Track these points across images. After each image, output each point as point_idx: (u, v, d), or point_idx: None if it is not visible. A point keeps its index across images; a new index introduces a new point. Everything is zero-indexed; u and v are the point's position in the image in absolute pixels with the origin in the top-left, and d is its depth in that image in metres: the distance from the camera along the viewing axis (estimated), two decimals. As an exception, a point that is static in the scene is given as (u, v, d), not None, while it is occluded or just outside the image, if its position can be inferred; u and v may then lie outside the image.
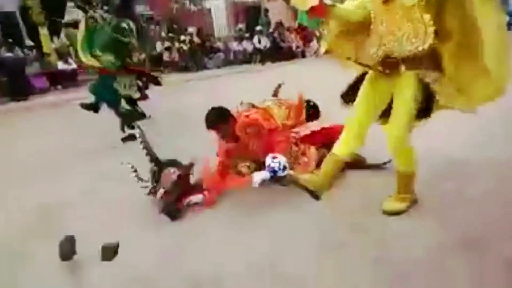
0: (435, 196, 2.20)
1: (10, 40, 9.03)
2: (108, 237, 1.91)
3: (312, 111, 3.16)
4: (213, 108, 2.56)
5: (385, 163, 2.61)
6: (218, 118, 2.50)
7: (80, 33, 3.99)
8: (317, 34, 13.50)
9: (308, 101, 3.31)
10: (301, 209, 2.21)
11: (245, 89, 5.78)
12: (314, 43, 13.12)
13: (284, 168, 2.21)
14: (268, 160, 2.23)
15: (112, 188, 2.74)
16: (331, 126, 2.81)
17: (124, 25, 3.95)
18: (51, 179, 3.17)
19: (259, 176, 2.22)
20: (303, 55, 12.87)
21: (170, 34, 11.86)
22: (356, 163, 2.65)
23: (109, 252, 1.80)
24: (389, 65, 1.89)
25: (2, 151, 4.39)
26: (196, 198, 2.43)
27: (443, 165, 2.58)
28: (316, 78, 7.74)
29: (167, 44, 11.26)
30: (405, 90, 1.87)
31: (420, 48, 1.75)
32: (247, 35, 12.73)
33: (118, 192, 2.64)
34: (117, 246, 1.84)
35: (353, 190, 2.41)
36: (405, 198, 2.08)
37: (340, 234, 1.94)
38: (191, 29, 12.50)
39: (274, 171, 2.19)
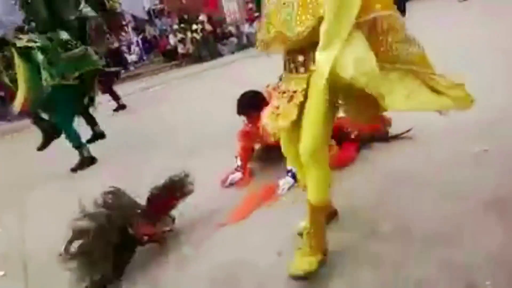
0: (464, 159, 2.14)
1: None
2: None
3: None
4: (246, 93, 2.49)
5: (408, 131, 2.55)
6: (250, 105, 2.45)
7: (21, 73, 3.36)
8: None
9: None
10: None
11: (259, 72, 5.74)
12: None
13: None
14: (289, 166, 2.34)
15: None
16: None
17: (64, 37, 3.50)
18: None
19: (286, 184, 2.33)
20: (318, 28, 12.48)
21: (182, 25, 11.86)
22: (379, 137, 2.62)
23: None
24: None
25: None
26: (233, 177, 2.61)
27: (472, 127, 2.47)
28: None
29: (180, 36, 11.28)
30: (313, 90, 1.43)
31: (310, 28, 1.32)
32: (257, 14, 12.50)
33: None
34: None
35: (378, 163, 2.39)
36: (316, 243, 1.55)
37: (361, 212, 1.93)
38: (201, 17, 12.43)
39: (295, 176, 2.24)
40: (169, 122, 4.85)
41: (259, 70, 6.65)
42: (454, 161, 2.14)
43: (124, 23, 11.77)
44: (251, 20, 12.49)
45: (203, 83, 8.06)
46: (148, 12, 12.64)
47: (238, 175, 2.62)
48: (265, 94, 2.49)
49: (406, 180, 2.09)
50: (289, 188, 2.31)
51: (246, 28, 12.41)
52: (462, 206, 1.74)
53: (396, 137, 2.58)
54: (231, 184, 2.59)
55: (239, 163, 2.66)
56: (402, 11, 9.74)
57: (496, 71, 3.44)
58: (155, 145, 4.03)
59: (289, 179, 2.33)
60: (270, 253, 1.76)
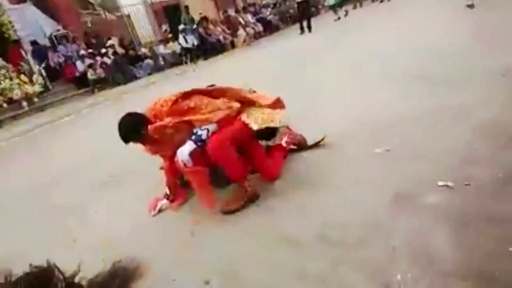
0: (370, 159, 2.30)
1: None
2: None
3: None
4: (123, 118, 2.26)
5: (322, 140, 2.68)
6: (128, 134, 2.23)
7: None
8: (242, 22, 13.54)
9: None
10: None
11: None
12: (241, 32, 13.12)
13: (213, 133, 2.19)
14: (196, 128, 2.17)
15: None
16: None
17: None
18: None
19: (185, 149, 2.12)
20: (232, 46, 12.79)
21: (90, 50, 11.15)
22: (299, 146, 2.74)
23: None
24: None
25: None
26: (161, 204, 2.53)
27: (374, 131, 2.70)
28: (249, 65, 7.77)
29: (88, 61, 10.59)
30: None
31: None
32: (171, 37, 12.41)
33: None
34: None
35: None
36: None
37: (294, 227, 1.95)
38: (111, 41, 11.86)
39: (200, 139, 2.13)
40: (83, 154, 4.46)
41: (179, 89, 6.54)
42: (363, 162, 2.31)
43: (22, 52, 10.66)
44: (166, 41, 12.31)
45: (118, 109, 7.63)
46: (50, 39, 11.64)
47: (165, 202, 2.54)
48: (147, 113, 2.27)
49: (321, 185, 2.19)
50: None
51: (161, 49, 12.18)
52: (373, 204, 1.86)
53: (312, 146, 2.71)
54: (160, 211, 2.51)
55: (167, 191, 2.56)
56: (309, 28, 10.74)
57: (393, 80, 3.85)
58: (62, 182, 3.66)
59: (189, 143, 2.14)
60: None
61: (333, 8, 12.02)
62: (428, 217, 1.66)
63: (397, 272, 1.41)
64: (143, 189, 2.87)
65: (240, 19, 13.66)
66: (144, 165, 3.10)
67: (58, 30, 11.98)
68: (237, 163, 2.22)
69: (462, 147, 2.12)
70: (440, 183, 1.84)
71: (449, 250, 1.45)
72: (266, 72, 6.11)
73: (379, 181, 2.04)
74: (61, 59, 11.14)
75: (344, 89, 3.95)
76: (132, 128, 2.22)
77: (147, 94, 8.16)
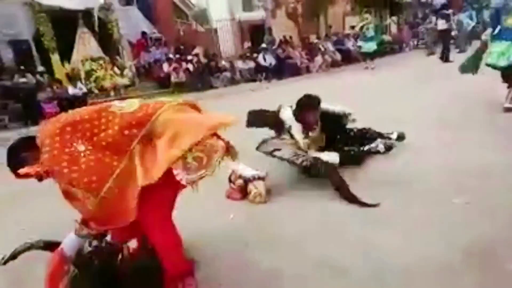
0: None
1: (22, 67, 9.38)
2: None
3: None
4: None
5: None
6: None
7: None
8: (321, 49, 13.68)
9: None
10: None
11: (249, 105, 5.83)
12: (318, 58, 13.23)
13: None
14: None
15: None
16: None
17: None
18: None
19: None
20: (308, 70, 12.93)
21: (177, 56, 12.08)
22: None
23: None
24: None
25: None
26: None
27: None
28: (322, 92, 7.76)
29: (174, 65, 11.47)
30: None
31: None
32: (250, 54, 12.96)
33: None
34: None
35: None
36: None
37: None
38: (196, 50, 12.74)
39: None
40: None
41: (248, 103, 6.76)
42: (438, 210, 2.17)
43: (119, 47, 11.95)
44: (245, 57, 12.88)
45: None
46: (145, 39, 12.89)
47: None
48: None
49: (388, 223, 2.10)
50: None
51: (239, 64, 12.75)
52: (441, 254, 1.73)
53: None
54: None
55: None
56: (447, 58, 10.11)
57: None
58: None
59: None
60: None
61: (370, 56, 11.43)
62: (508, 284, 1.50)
63: None
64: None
65: (320, 46, 13.80)
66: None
67: (154, 33, 13.22)
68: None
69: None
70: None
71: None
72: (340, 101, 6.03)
73: (451, 233, 1.90)
74: (151, 59, 12.22)
75: (426, 131, 3.76)
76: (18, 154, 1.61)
77: (219, 103, 8.57)
